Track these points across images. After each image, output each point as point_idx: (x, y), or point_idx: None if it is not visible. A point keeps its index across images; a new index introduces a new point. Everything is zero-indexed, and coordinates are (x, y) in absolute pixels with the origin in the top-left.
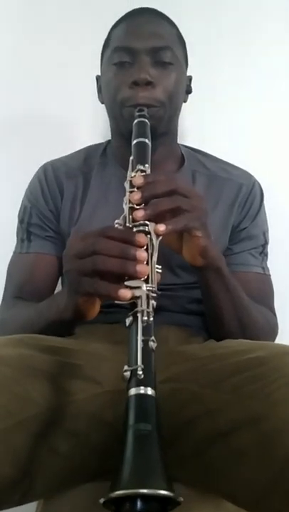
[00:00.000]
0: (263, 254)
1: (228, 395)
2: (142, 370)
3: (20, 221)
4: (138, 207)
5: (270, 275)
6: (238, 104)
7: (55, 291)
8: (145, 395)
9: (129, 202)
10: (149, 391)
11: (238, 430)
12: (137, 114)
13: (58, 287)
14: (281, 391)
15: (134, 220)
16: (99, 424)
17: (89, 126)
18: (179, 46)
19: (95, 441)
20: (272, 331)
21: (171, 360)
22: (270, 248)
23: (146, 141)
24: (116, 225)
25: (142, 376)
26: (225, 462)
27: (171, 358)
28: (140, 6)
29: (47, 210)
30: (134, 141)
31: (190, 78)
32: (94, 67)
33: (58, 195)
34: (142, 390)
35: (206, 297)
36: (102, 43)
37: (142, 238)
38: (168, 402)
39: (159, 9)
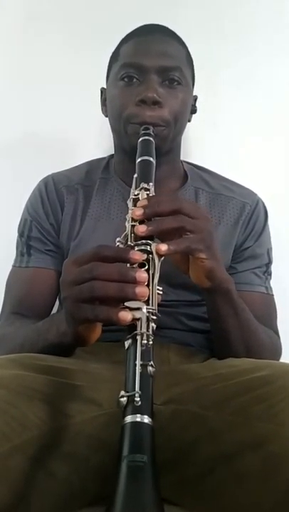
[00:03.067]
0: (267, 273)
1: (232, 416)
2: (140, 396)
3: (20, 234)
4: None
5: (273, 295)
6: (237, 122)
7: (55, 306)
8: (141, 424)
9: (132, 220)
10: (146, 419)
11: (242, 452)
12: (143, 132)
13: (57, 302)
14: (287, 412)
15: (136, 239)
16: (98, 446)
17: (92, 141)
18: (187, 66)
19: (94, 464)
20: (276, 352)
21: (173, 381)
22: (274, 267)
23: (151, 159)
24: (117, 244)
25: (139, 403)
26: (228, 485)
27: (172, 378)
28: (150, 23)
29: (47, 224)
30: (139, 159)
31: (195, 98)
32: (97, 81)
33: (58, 209)
34: (138, 417)
35: (213, 319)
36: (104, 56)
37: (136, 255)
38: (170, 423)
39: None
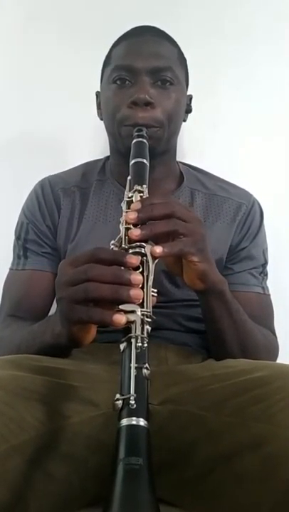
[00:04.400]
0: (263, 273)
1: (230, 417)
2: (135, 399)
3: (17, 237)
4: (134, 228)
5: (269, 295)
6: (236, 123)
7: (52, 308)
8: (137, 427)
9: (126, 223)
10: (142, 422)
11: (240, 453)
12: (136, 134)
13: (55, 304)
14: (285, 412)
15: (130, 242)
16: (96, 446)
17: (88, 143)
18: (179, 66)
19: (93, 465)
20: (273, 352)
21: (171, 381)
22: (274, 267)
23: (145, 161)
24: (111, 246)
25: (135, 406)
26: (227, 486)
27: (170, 378)
28: (141, 25)
29: (44, 226)
30: (132, 161)
31: (190, 97)
32: (95, 83)
33: (55, 211)
34: (134, 420)
35: (208, 320)
36: (103, 58)
37: (133, 259)
38: (168, 424)
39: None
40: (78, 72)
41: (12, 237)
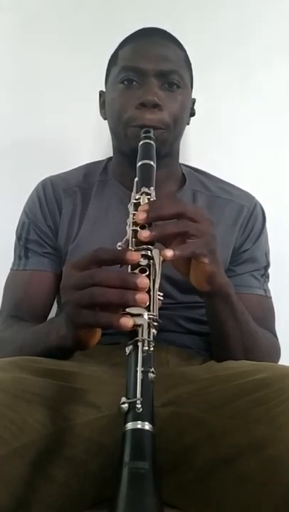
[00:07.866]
0: (265, 276)
1: (231, 419)
2: (141, 403)
3: (18, 237)
4: (142, 229)
5: (271, 297)
6: (238, 126)
7: (53, 308)
8: (143, 431)
9: (133, 224)
10: (147, 426)
11: (241, 456)
12: (143, 135)
13: (55, 304)
14: (286, 414)
15: (137, 244)
16: (97, 449)
17: (90, 144)
18: (186, 69)
19: (93, 468)
20: (275, 354)
21: (172, 383)
22: (275, 269)
23: (152, 163)
24: (118, 249)
25: (141, 410)
26: (228, 488)
27: (171, 380)
28: (146, 26)
29: (45, 226)
30: (140, 163)
31: (194, 101)
32: (95, 83)
33: (56, 211)
34: (139, 424)
35: (213, 323)
36: (103, 58)
37: (134, 256)
38: (168, 426)
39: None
40: (79, 72)
41: (13, 238)
